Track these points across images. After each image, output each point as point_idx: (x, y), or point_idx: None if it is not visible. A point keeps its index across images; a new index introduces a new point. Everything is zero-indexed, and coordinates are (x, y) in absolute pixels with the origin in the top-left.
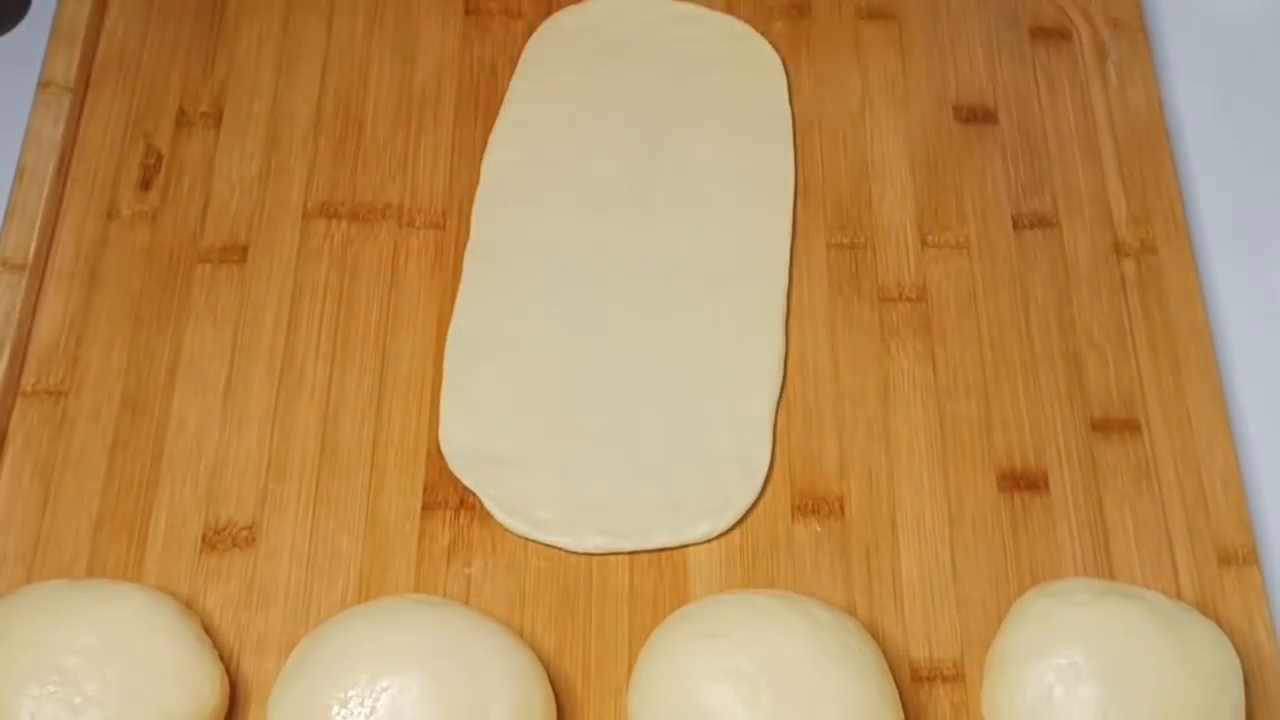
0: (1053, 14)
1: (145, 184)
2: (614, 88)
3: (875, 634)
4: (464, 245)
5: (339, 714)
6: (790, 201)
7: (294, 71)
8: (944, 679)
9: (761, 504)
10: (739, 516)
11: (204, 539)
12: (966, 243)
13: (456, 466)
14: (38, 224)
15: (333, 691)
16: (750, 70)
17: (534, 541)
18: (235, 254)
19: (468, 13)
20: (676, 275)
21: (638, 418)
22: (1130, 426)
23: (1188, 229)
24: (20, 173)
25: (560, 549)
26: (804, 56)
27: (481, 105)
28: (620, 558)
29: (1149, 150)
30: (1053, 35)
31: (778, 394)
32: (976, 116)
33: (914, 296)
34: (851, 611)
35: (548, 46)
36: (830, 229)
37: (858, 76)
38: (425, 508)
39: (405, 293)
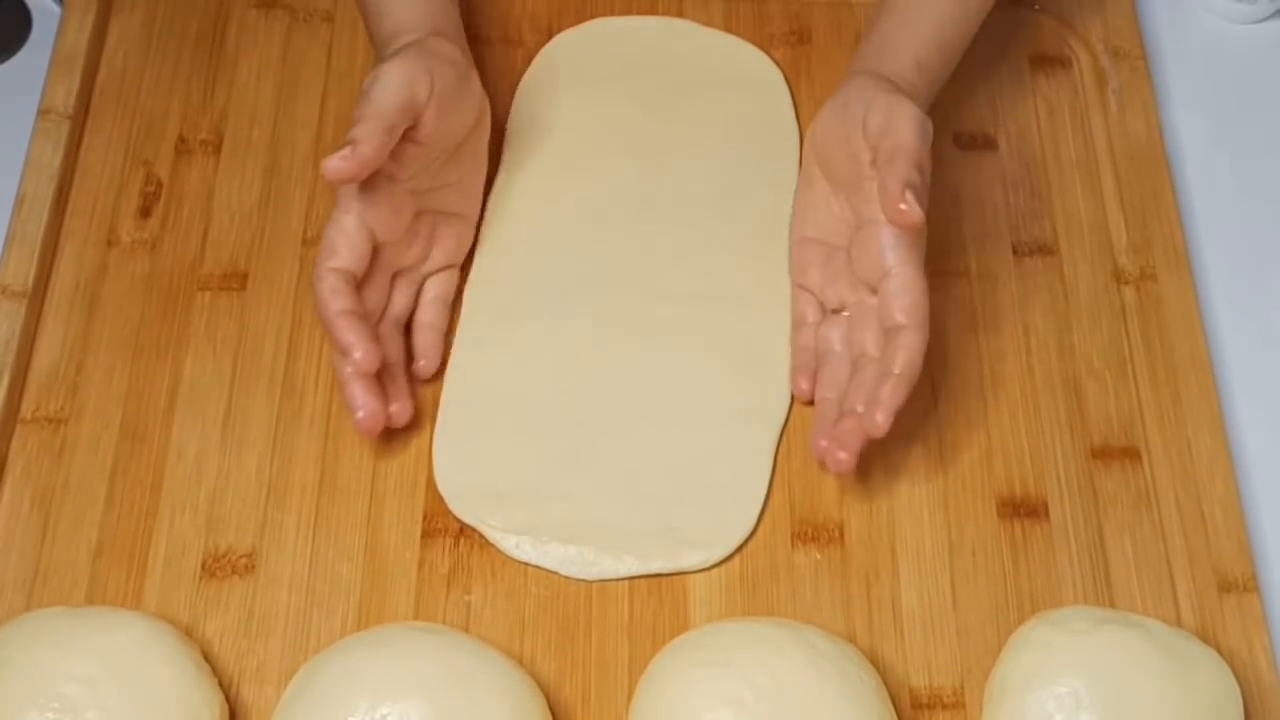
0: (1053, 42)
1: (145, 211)
2: (615, 115)
3: (875, 662)
4: (464, 273)
5: None
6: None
7: (294, 99)
8: (944, 707)
9: (761, 531)
10: (735, 547)
11: (204, 566)
12: (966, 270)
13: (455, 506)
14: (37, 251)
15: (333, 719)
16: (753, 88)
17: (534, 568)
18: (235, 281)
19: (468, 41)
20: (678, 303)
21: (639, 448)
22: (1130, 454)
23: (1188, 257)
24: (20, 200)
25: (560, 575)
26: (804, 84)
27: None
28: (620, 585)
29: (1149, 178)
30: (1053, 63)
31: (782, 425)
32: (977, 144)
33: None
34: (851, 639)
35: (547, 73)
36: None
37: None
38: (425, 535)
39: None
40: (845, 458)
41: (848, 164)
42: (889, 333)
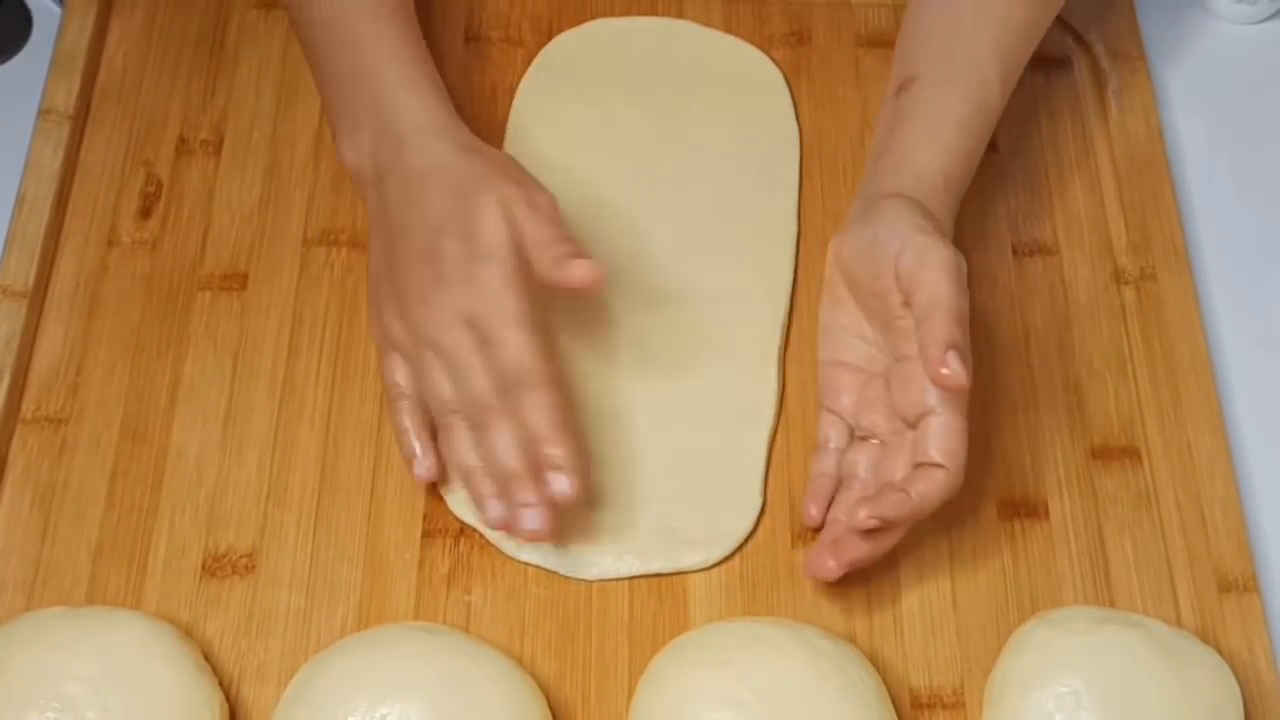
0: (1053, 43)
1: (145, 212)
2: (615, 115)
3: (875, 661)
4: None
5: None
6: (794, 229)
7: (294, 99)
8: (944, 706)
9: (761, 531)
10: (734, 547)
11: (204, 566)
12: (966, 270)
13: (455, 506)
14: (38, 251)
15: (333, 718)
16: (753, 88)
17: (534, 568)
18: (235, 281)
19: (468, 41)
20: (677, 303)
21: (636, 448)
22: (1130, 454)
23: (1187, 257)
24: (20, 200)
25: (560, 575)
26: (804, 84)
27: (482, 133)
28: (620, 585)
29: (1149, 179)
30: (1053, 64)
31: (772, 427)
32: None
33: None
34: (851, 639)
35: (548, 73)
36: None
37: (858, 104)
38: (425, 535)
39: None
40: (833, 566)
41: (878, 300)
42: (921, 467)
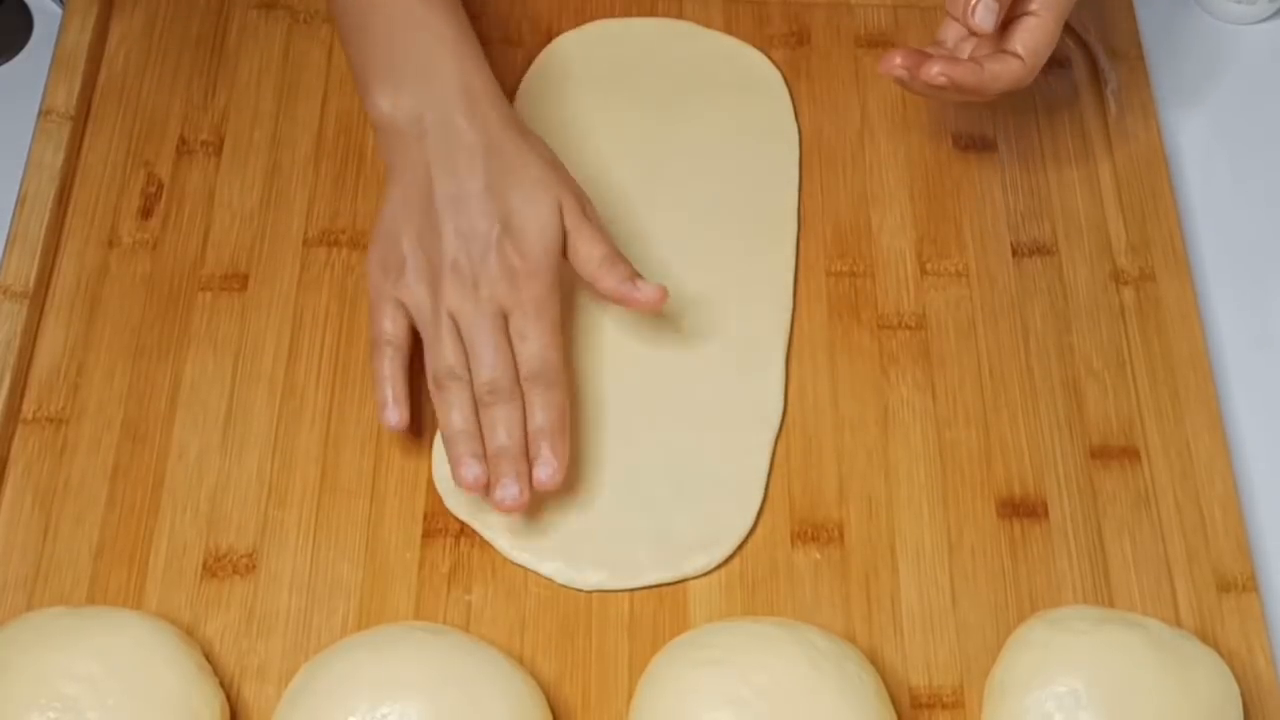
0: None
1: (146, 212)
2: (614, 116)
3: (875, 661)
4: None
5: None
6: (794, 230)
7: (295, 100)
8: (943, 706)
9: (761, 531)
10: (732, 551)
11: (204, 566)
12: (966, 271)
13: (453, 504)
14: (39, 252)
15: (333, 718)
16: (753, 89)
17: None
18: (236, 282)
19: None
20: (677, 304)
21: (638, 450)
22: (1129, 454)
23: (1186, 257)
24: (21, 201)
25: (557, 584)
26: (804, 85)
27: None
28: None
29: (1148, 179)
30: (1051, 63)
31: (776, 431)
32: (976, 144)
33: (913, 324)
34: (851, 638)
35: (547, 74)
36: (830, 257)
37: (857, 105)
38: (425, 535)
39: None
40: (899, 62)
41: None
42: (1002, 53)
